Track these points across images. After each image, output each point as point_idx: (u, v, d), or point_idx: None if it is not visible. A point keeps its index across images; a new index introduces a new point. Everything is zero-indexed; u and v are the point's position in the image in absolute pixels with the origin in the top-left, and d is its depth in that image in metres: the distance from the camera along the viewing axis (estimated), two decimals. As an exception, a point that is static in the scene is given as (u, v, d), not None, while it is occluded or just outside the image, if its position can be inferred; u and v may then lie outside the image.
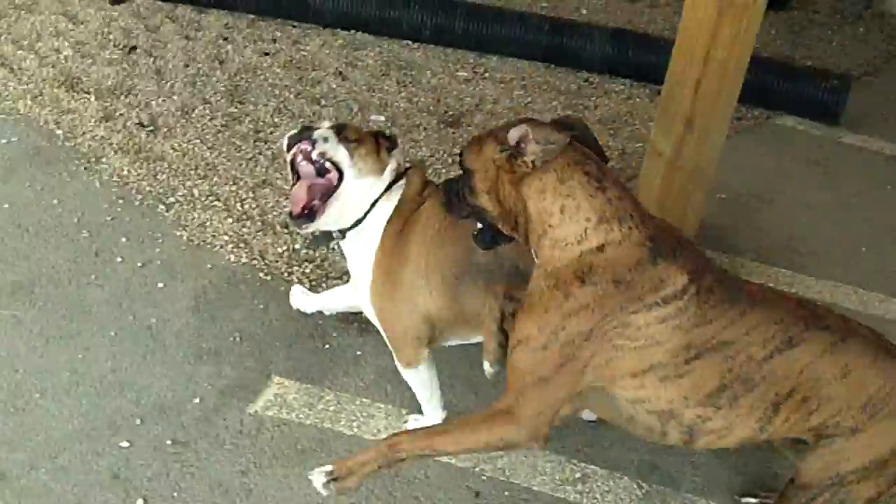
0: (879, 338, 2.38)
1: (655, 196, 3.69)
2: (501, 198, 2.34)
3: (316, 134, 2.77)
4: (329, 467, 2.39)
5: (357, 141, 2.79)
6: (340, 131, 2.79)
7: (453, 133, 4.87)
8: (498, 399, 2.29)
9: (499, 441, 2.28)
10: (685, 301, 2.21)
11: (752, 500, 2.97)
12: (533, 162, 2.25)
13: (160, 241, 3.89)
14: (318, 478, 2.38)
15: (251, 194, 4.22)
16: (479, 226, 2.48)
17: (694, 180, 3.62)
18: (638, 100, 5.39)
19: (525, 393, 2.25)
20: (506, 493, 2.97)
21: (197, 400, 3.18)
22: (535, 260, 2.34)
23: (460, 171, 2.48)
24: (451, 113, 5.06)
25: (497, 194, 2.35)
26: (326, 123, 2.85)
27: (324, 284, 3.74)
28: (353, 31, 5.80)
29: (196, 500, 2.85)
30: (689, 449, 2.49)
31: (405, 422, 3.14)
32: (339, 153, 2.75)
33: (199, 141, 4.57)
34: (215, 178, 4.31)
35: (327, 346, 3.46)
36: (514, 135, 2.26)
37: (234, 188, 4.25)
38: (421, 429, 2.51)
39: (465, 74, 5.49)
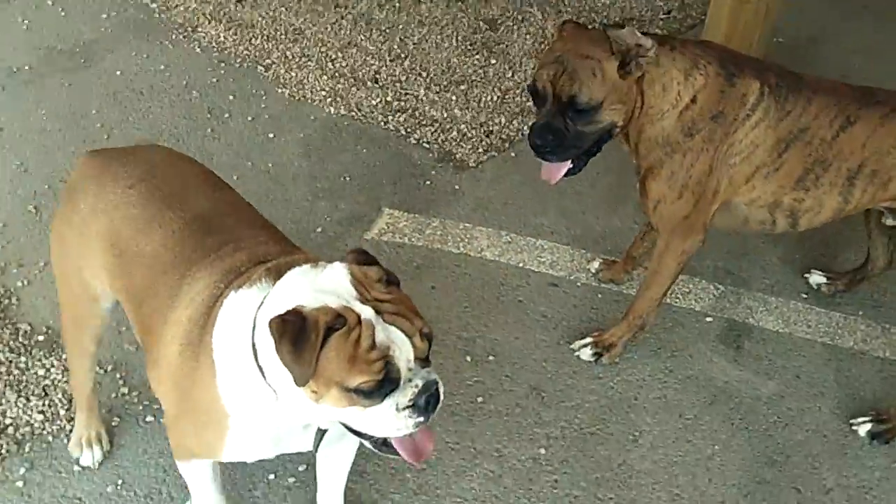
0: None
1: (723, 35, 3.98)
2: (625, 102, 2.64)
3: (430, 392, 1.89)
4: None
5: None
6: (427, 361, 1.92)
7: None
8: (658, 246, 2.93)
9: (683, 261, 2.90)
10: (765, 102, 2.62)
11: (822, 279, 3.38)
12: (647, 61, 2.58)
13: (264, 98, 4.27)
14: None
15: (340, 54, 4.56)
16: (570, 165, 2.76)
17: (759, 16, 3.90)
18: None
19: (675, 230, 2.82)
20: (598, 296, 3.38)
21: (319, 230, 3.60)
22: (632, 151, 2.77)
23: (545, 124, 2.65)
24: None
25: (622, 101, 2.63)
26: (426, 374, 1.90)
27: (416, 133, 4.10)
28: None
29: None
30: (795, 230, 2.90)
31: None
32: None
33: (284, 9, 4.88)
34: (304, 42, 4.64)
35: (428, 182, 3.85)
36: (629, 41, 2.54)
37: (323, 49, 4.59)
38: (638, 294, 3.08)
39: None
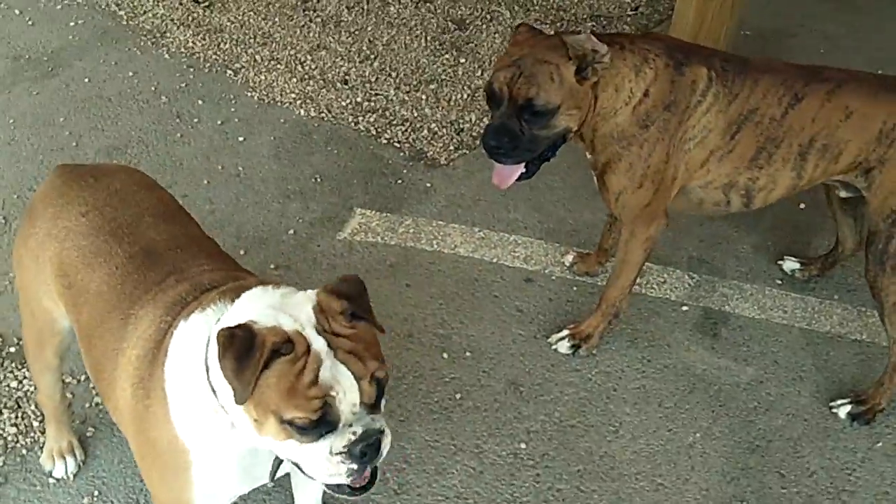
0: (877, 77, 2.80)
1: (689, 30, 3.99)
2: (580, 108, 2.65)
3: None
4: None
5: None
6: (376, 407, 1.80)
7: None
8: (623, 235, 2.94)
9: (648, 247, 2.93)
10: (714, 87, 2.68)
11: (795, 265, 3.39)
12: (602, 66, 2.60)
13: (234, 101, 4.24)
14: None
15: (309, 57, 4.54)
16: (524, 170, 2.76)
17: (725, 10, 3.93)
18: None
19: (638, 219, 2.86)
20: (574, 289, 3.37)
21: (291, 231, 3.57)
22: (587, 147, 2.79)
23: (499, 126, 2.63)
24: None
25: (577, 106, 2.64)
26: (371, 422, 1.77)
27: (387, 133, 4.09)
28: None
29: (304, 311, 3.27)
30: (750, 209, 2.92)
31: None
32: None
33: (252, 13, 4.86)
34: (273, 45, 4.62)
35: (400, 181, 3.83)
36: (586, 47, 2.56)
37: (292, 52, 4.56)
38: (608, 283, 3.08)
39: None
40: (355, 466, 1.75)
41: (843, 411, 2.96)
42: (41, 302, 2.30)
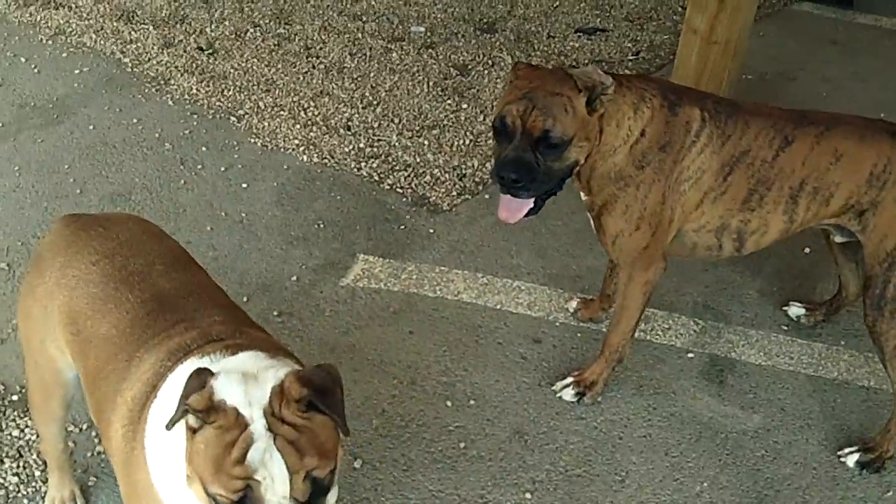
0: (865, 120, 2.80)
1: (692, 74, 4.02)
2: (589, 139, 2.66)
3: None
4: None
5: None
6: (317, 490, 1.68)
7: (490, 38, 5.19)
8: (622, 280, 2.93)
9: (648, 291, 2.91)
10: (708, 127, 2.72)
11: (801, 311, 3.37)
12: (608, 98, 2.62)
13: (237, 148, 4.25)
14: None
15: (312, 103, 4.56)
16: (532, 205, 2.74)
17: (727, 54, 3.95)
18: (660, -4, 5.68)
19: (636, 262, 2.84)
20: (578, 336, 3.36)
21: (294, 278, 3.56)
22: (584, 188, 2.78)
23: (514, 158, 2.60)
24: (485, 20, 5.37)
25: (587, 138, 2.65)
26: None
27: (390, 178, 4.10)
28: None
29: (307, 358, 3.24)
30: (741, 254, 2.91)
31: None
32: None
33: (256, 60, 4.90)
34: (277, 92, 4.65)
35: (402, 227, 3.83)
36: (595, 78, 2.58)
37: (295, 99, 4.59)
38: (609, 329, 3.06)
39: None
40: None
41: (852, 460, 2.92)
42: (47, 351, 2.28)
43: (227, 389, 1.65)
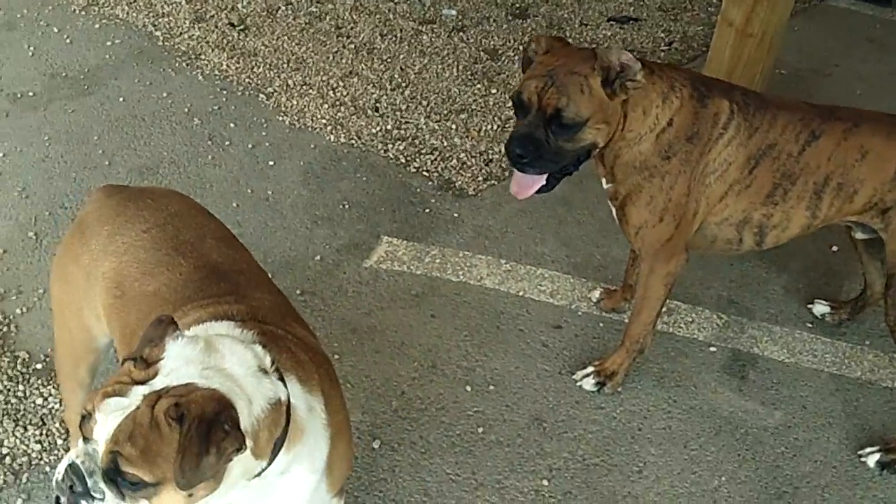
0: (892, 117, 2.77)
1: (725, 67, 3.97)
2: (609, 123, 2.62)
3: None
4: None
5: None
6: (115, 473, 1.63)
7: (522, 24, 5.16)
8: (643, 271, 2.90)
9: (669, 282, 2.89)
10: (736, 119, 2.70)
11: (826, 308, 3.35)
12: (636, 85, 2.57)
13: (265, 126, 4.26)
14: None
15: (341, 83, 4.56)
16: (545, 182, 2.71)
17: (763, 48, 3.91)
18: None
19: (658, 254, 2.81)
20: (600, 325, 3.35)
21: (318, 258, 3.57)
22: (607, 175, 2.76)
23: (524, 137, 2.59)
24: (518, 5, 5.34)
25: (606, 121, 2.61)
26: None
27: (416, 161, 4.09)
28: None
29: (328, 338, 3.26)
30: (761, 249, 2.90)
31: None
32: None
33: (286, 38, 4.89)
34: (306, 70, 4.64)
35: (427, 210, 3.83)
36: (613, 59, 2.53)
37: (324, 78, 4.59)
38: (630, 320, 3.05)
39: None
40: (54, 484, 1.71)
41: (872, 460, 2.91)
42: (83, 318, 2.29)
43: (177, 351, 1.68)
